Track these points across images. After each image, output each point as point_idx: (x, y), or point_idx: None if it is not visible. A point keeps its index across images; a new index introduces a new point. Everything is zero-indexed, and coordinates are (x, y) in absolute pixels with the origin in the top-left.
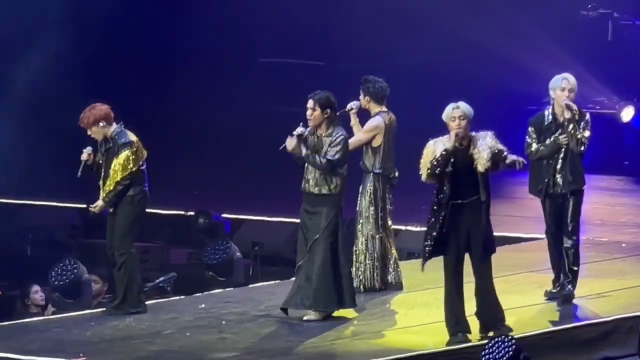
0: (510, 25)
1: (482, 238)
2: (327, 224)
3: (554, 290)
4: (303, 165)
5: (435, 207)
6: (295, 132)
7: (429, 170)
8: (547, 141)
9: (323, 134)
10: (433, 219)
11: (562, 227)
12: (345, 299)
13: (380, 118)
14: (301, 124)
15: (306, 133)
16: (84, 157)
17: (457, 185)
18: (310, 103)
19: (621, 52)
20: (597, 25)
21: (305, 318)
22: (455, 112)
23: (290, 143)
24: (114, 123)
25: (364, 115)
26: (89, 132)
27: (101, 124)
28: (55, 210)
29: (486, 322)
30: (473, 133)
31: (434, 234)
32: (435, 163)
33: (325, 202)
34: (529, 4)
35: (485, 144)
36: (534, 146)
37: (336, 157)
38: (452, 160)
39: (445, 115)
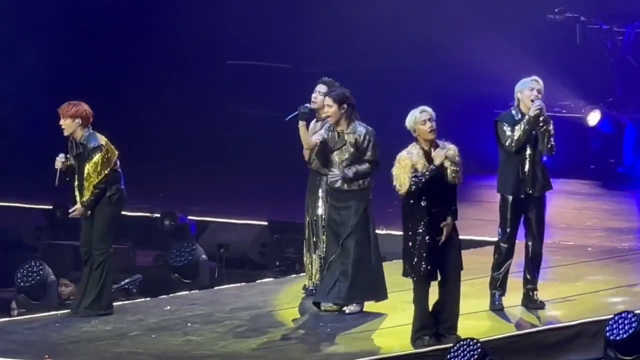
0: (476, 29)
1: (456, 257)
2: (359, 218)
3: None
4: (326, 166)
5: (415, 220)
6: (318, 139)
7: (412, 186)
8: (519, 125)
9: (345, 131)
10: (416, 234)
11: (526, 231)
12: (379, 292)
13: None
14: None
15: (325, 135)
16: (58, 165)
17: (432, 195)
18: (327, 100)
19: (587, 56)
20: (564, 29)
21: (347, 311)
22: (424, 115)
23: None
24: (87, 128)
25: None
26: (61, 122)
27: (77, 121)
28: (21, 211)
29: (439, 326)
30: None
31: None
32: (420, 178)
33: (354, 197)
34: (496, 9)
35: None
36: (513, 134)
37: (376, 156)
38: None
39: (413, 121)
